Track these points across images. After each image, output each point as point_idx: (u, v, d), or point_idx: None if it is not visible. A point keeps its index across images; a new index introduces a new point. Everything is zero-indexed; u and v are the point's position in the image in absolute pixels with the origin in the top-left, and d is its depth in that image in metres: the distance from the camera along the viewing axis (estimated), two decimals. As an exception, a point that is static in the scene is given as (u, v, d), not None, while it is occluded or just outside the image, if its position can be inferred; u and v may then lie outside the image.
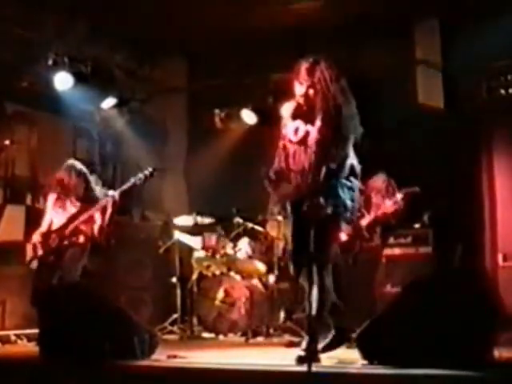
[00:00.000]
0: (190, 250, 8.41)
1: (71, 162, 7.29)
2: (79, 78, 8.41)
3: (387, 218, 7.19)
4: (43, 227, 7.13)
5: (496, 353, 4.68)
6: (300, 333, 7.24)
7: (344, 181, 5.05)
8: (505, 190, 6.65)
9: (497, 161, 6.72)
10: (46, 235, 7.06)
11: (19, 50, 8.08)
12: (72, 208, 7.06)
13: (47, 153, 8.53)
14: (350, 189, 5.11)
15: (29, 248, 7.08)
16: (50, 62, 8.28)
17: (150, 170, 7.15)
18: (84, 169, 7.23)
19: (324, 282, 5.16)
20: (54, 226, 7.08)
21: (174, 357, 5.32)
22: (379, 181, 7.31)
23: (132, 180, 7.12)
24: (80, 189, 7.10)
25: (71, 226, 6.95)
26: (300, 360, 4.82)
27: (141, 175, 7.11)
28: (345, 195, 5.05)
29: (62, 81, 8.35)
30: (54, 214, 7.14)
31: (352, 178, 5.11)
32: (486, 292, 5.01)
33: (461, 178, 7.65)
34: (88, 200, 7.06)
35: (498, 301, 4.85)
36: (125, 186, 7.12)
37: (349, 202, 5.08)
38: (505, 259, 6.52)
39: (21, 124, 8.64)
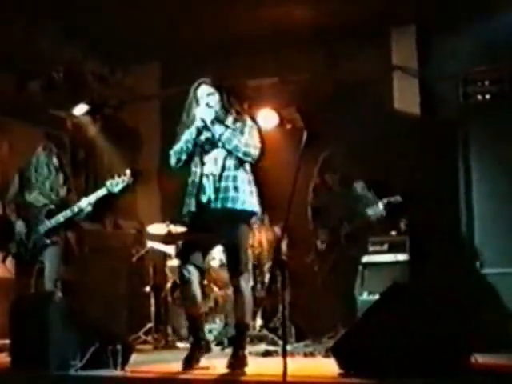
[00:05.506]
0: (164, 258, 8.32)
1: (48, 143, 7.07)
2: (51, 84, 8.31)
3: (369, 227, 7.12)
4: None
5: (472, 359, 4.67)
6: (277, 342, 7.19)
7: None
8: (482, 196, 6.63)
9: (474, 167, 6.71)
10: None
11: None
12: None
13: (18, 160, 8.38)
14: None
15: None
16: (21, 68, 8.18)
17: (127, 172, 6.62)
18: (59, 154, 7.00)
19: None
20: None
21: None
22: (359, 189, 7.23)
23: (107, 185, 6.60)
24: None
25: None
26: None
27: (119, 181, 6.57)
28: None
29: (34, 87, 8.24)
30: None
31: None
32: (461, 300, 5.03)
33: (438, 184, 7.64)
34: None
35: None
36: (99, 193, 6.65)
37: None
38: (481, 267, 6.52)
39: (-9, 131, 8.53)
